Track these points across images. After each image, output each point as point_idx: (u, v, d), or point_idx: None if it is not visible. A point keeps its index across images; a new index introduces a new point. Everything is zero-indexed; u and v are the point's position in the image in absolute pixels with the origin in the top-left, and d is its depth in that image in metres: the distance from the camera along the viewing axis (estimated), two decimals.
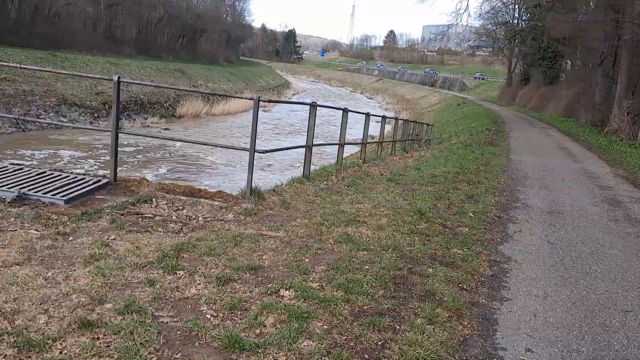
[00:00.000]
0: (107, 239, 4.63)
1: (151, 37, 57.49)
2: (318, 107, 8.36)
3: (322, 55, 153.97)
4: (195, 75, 52.44)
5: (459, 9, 28.11)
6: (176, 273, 3.98)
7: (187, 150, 27.18)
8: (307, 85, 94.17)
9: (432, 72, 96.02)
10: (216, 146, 11.81)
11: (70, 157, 20.09)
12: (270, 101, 7.01)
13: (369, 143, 11.72)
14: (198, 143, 8.01)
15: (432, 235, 5.63)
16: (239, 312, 3.42)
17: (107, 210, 5.32)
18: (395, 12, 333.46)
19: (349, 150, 18.29)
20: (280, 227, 5.46)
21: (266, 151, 6.59)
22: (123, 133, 6.25)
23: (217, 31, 69.90)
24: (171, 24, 59.59)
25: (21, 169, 6.17)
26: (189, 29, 61.93)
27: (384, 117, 12.22)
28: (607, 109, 24.09)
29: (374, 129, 20.06)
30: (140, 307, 3.33)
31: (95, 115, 34.01)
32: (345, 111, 9.21)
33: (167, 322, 3.22)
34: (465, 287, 4.34)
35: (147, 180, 6.39)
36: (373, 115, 11.52)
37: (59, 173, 6.10)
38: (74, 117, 32.39)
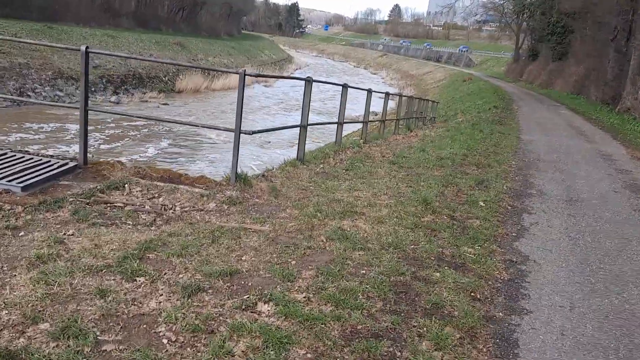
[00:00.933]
0: (64, 234, 3.99)
1: (150, 9, 56.20)
2: (316, 83, 7.66)
3: (326, 30, 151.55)
4: (195, 49, 51.32)
5: None
6: (136, 280, 3.34)
7: (187, 127, 26.45)
8: (310, 60, 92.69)
9: (428, 46, 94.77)
10: (198, 126, 11.10)
11: (51, 135, 19.37)
12: (258, 75, 6.31)
13: (370, 121, 10.99)
14: (179, 123, 7.27)
15: (438, 230, 4.97)
16: (204, 336, 2.78)
17: (70, 199, 4.67)
18: None
19: (350, 128, 17.58)
20: (267, 219, 4.81)
21: (253, 132, 5.89)
22: (93, 111, 5.55)
23: (218, 4, 68.36)
24: None
25: None
26: (188, 1, 60.54)
27: (387, 94, 11.48)
28: (620, 87, 23.19)
29: (377, 105, 19.36)
30: (81, 330, 2.70)
31: (93, 89, 33.21)
32: (345, 87, 8.49)
33: (110, 352, 2.59)
34: (478, 296, 3.69)
35: (121, 164, 5.72)
36: (375, 92, 10.77)
37: (21, 155, 5.43)
38: (71, 90, 31.64)
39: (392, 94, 13.37)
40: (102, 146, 18.24)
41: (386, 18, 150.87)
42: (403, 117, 14.41)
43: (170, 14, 60.06)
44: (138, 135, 20.82)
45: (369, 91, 10.04)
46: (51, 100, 29.38)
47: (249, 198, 5.42)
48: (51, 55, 33.43)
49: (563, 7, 35.31)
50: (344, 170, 7.23)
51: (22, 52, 31.80)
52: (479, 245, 4.69)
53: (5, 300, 2.95)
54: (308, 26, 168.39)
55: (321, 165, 7.32)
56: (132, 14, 53.47)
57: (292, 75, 19.25)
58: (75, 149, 16.71)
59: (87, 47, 5.24)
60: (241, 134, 5.52)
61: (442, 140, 11.14)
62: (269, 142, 20.89)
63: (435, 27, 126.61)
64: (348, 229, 4.65)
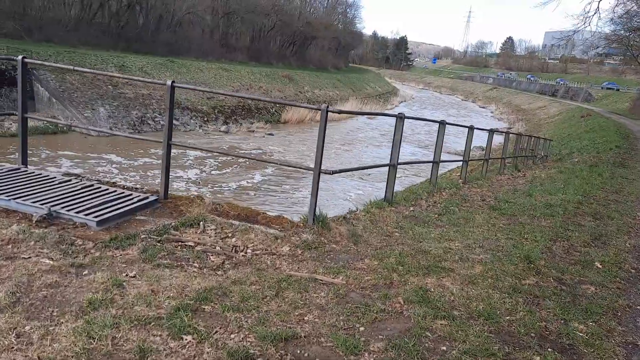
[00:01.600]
0: (126, 275, 3.80)
1: (263, 44, 58.90)
2: (413, 120, 7.17)
3: (434, 63, 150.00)
4: (302, 82, 52.80)
5: (588, 12, 25.21)
6: (182, 338, 3.00)
7: (290, 156, 26.87)
8: (416, 93, 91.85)
9: (532, 78, 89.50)
10: (277, 164, 11.00)
11: (142, 166, 20.30)
12: (341, 112, 5.90)
13: (471, 160, 10.19)
14: (258, 160, 7.00)
15: (542, 297, 4.18)
16: None
17: (143, 236, 4.52)
18: (514, 18, 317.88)
19: (450, 165, 16.66)
20: (341, 270, 4.33)
21: (334, 172, 5.48)
22: (175, 145, 5.47)
23: (327, 38, 70.16)
24: (282, 32, 60.71)
25: (69, 180, 5.62)
26: (299, 36, 62.73)
27: (491, 131, 10.63)
28: None
29: (482, 141, 18.25)
30: None
31: (205, 119, 35.17)
32: (442, 124, 7.87)
33: None
34: None
35: (201, 199, 5.56)
36: (478, 128, 9.99)
37: (105, 188, 5.45)
38: (185, 120, 33.68)
39: (498, 130, 12.44)
40: (195, 176, 18.81)
41: (498, 51, 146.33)
42: (510, 156, 13.34)
43: (281, 48, 62.53)
44: (235, 167, 21.34)
45: (470, 128, 9.31)
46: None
47: (326, 243, 4.99)
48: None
49: None
50: (436, 215, 6.58)
51: (146, 84, 34.49)
52: (593, 321, 3.85)
53: (41, 353, 2.73)
54: (416, 59, 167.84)
55: (411, 208, 6.73)
56: (246, 49, 56.31)
57: (383, 112, 18.94)
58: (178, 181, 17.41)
59: (172, 82, 5.18)
60: (322, 174, 5.13)
61: (553, 184, 10.04)
62: (369, 173, 20.47)
63: (551, 61, 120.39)
64: (432, 289, 4.03)
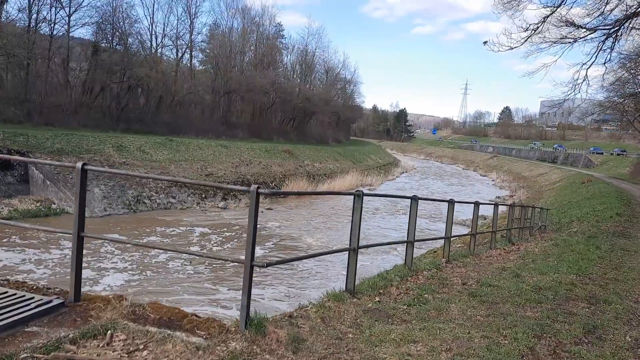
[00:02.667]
0: None
1: (263, 120, 59.74)
2: (381, 197, 6.41)
3: (434, 133, 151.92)
4: (302, 156, 52.87)
5: (577, 79, 25.25)
6: None
7: (287, 231, 26.05)
8: (418, 163, 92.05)
9: (535, 145, 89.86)
10: (203, 256, 10.22)
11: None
12: (273, 193, 5.18)
13: (454, 237, 9.33)
14: (182, 252, 6.17)
15: None
16: None
17: (23, 356, 3.66)
18: (511, 88, 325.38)
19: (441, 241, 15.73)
20: None
21: (268, 264, 4.66)
22: (87, 237, 4.68)
23: (327, 113, 71.29)
24: (282, 108, 61.76)
25: None
26: (299, 111, 63.73)
27: (476, 204, 9.84)
28: None
29: (485, 210, 17.35)
30: None
31: (203, 196, 34.72)
32: (415, 199, 7.11)
33: None
34: None
35: (120, 300, 4.71)
36: (459, 202, 9.20)
37: (4, 290, 4.62)
38: (183, 198, 33.22)
39: (483, 204, 11.64)
40: (132, 268, 17.21)
41: (496, 120, 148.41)
42: (501, 229, 12.48)
43: (282, 124, 63.36)
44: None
45: (450, 202, 8.54)
46: (164, 207, 30.98)
47: (258, 353, 4.08)
48: (169, 165, 35.80)
49: None
50: (404, 306, 5.65)
51: (143, 163, 34.39)
52: None
53: None
54: (417, 131, 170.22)
55: (377, 298, 5.82)
56: (247, 126, 56.99)
57: (341, 191, 18.52)
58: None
59: (83, 164, 4.48)
60: (255, 267, 4.31)
61: (545, 260, 9.10)
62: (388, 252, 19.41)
63: (549, 128, 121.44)
64: None
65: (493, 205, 11.27)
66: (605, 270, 8.45)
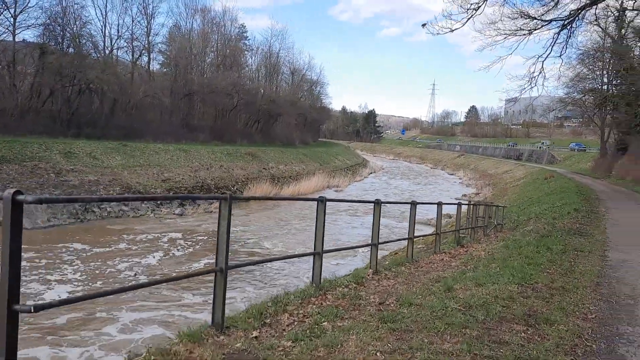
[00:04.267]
0: None
1: (226, 122, 57.93)
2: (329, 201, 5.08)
3: (403, 134, 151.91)
4: (266, 158, 51.32)
5: (533, 72, 24.45)
6: None
7: (246, 236, 24.51)
8: (386, 164, 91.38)
9: (512, 144, 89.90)
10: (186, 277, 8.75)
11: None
12: (248, 198, 3.74)
13: (381, 244, 8.04)
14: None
15: None
16: None
17: None
18: (477, 87, 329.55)
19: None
20: None
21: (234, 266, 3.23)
22: None
23: (293, 114, 69.80)
24: (247, 110, 60.05)
25: None
26: (263, 113, 62.11)
27: (413, 204, 8.57)
28: None
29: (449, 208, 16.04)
30: None
31: (159, 202, 32.91)
32: (322, 200, 5.77)
33: None
34: None
35: None
36: (386, 202, 7.94)
37: None
38: (136, 205, 31.36)
39: (419, 202, 10.39)
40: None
41: (463, 119, 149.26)
42: (446, 231, 11.29)
43: (246, 126, 61.63)
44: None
45: (377, 203, 7.24)
46: (115, 215, 29.04)
47: None
48: (121, 171, 33.87)
49: None
50: (289, 343, 4.28)
51: (94, 170, 32.40)
52: None
53: None
54: (387, 131, 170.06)
55: (255, 333, 4.43)
56: (209, 128, 55.11)
57: (305, 197, 17.21)
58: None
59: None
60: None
61: (488, 266, 7.89)
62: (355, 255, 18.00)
63: (514, 126, 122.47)
64: None
65: (437, 205, 10.04)
66: (553, 277, 7.25)
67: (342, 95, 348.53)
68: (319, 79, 79.72)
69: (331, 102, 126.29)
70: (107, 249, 20.14)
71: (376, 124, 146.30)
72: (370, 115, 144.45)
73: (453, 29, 12.69)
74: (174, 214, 31.36)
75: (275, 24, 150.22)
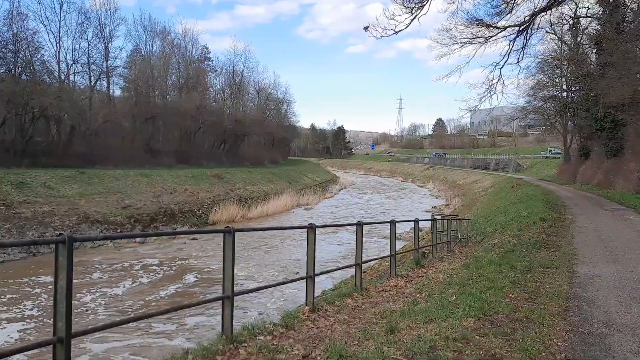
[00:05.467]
0: None
1: (192, 145, 56.41)
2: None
3: (372, 149, 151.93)
4: (233, 179, 49.90)
5: (491, 80, 24.01)
6: None
7: (211, 262, 23.12)
8: (357, 179, 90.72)
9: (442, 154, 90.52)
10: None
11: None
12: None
13: (323, 273, 6.92)
14: None
15: None
16: None
17: None
18: (443, 100, 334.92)
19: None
20: None
21: None
22: None
23: (261, 134, 68.68)
24: (212, 132, 58.64)
25: None
26: (230, 134, 60.77)
27: (359, 224, 7.50)
28: None
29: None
30: None
31: (119, 230, 31.22)
32: (230, 232, 4.66)
33: None
34: None
35: None
36: (320, 226, 6.85)
37: None
38: (95, 235, 29.66)
39: (367, 222, 9.34)
40: None
41: (430, 132, 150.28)
42: (400, 252, 10.27)
43: (212, 148, 60.18)
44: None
45: (310, 227, 6.16)
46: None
47: None
48: (79, 200, 32.08)
49: (609, 100, 31.21)
50: None
51: (48, 200, 30.53)
52: None
53: None
54: (358, 147, 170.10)
55: None
56: (173, 152, 53.53)
57: (293, 225, 16.28)
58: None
59: None
60: None
61: (444, 294, 6.83)
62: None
63: (480, 137, 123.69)
64: None
65: (389, 224, 8.99)
66: (517, 303, 6.23)
67: (312, 113, 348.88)
68: (285, 97, 78.98)
69: (299, 120, 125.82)
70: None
71: (346, 140, 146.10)
72: (340, 132, 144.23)
73: (397, 30, 11.86)
74: (135, 241, 29.73)
75: (238, 44, 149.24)
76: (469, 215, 32.59)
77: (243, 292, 5.65)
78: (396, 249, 14.47)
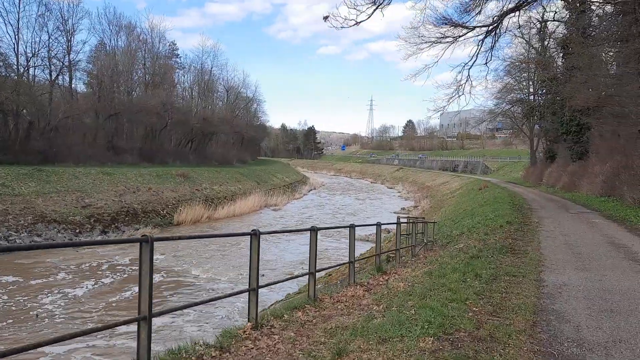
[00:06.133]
0: None
1: (157, 143, 54.88)
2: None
3: (343, 149, 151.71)
4: (200, 179, 48.68)
5: (460, 80, 23.69)
6: None
7: (172, 264, 22.18)
8: (327, 180, 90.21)
9: (422, 157, 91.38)
10: None
11: None
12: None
13: (266, 285, 6.21)
14: None
15: None
16: None
17: None
18: (413, 102, 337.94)
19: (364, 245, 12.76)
20: None
21: None
22: None
23: (229, 133, 67.40)
24: (178, 129, 57.18)
25: None
26: (197, 133, 59.39)
27: (313, 229, 6.85)
28: None
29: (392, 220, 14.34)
30: None
31: (77, 230, 29.86)
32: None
33: None
34: None
35: None
36: (263, 233, 6.15)
37: None
38: (51, 235, 28.24)
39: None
40: None
41: (400, 133, 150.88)
42: (359, 259, 9.65)
43: (179, 146, 58.71)
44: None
45: (254, 234, 5.46)
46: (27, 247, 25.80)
47: None
48: (35, 199, 30.56)
49: (575, 104, 31.42)
50: None
51: (2, 198, 28.99)
52: None
53: None
54: (329, 147, 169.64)
55: None
56: (137, 150, 51.95)
57: (236, 232, 15.42)
58: None
59: None
60: None
61: (403, 306, 6.22)
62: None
63: (450, 139, 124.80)
64: None
65: (348, 228, 8.36)
66: (481, 318, 5.65)
67: (283, 113, 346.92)
68: (255, 96, 77.83)
69: (269, 120, 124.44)
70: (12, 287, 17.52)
71: (316, 141, 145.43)
72: (310, 132, 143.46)
73: (358, 20, 11.25)
74: None
75: (207, 41, 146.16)
76: (437, 217, 32.41)
77: (162, 314, 4.88)
78: (362, 252, 13.87)
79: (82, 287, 17.95)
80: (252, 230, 5.52)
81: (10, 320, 13.56)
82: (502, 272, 8.22)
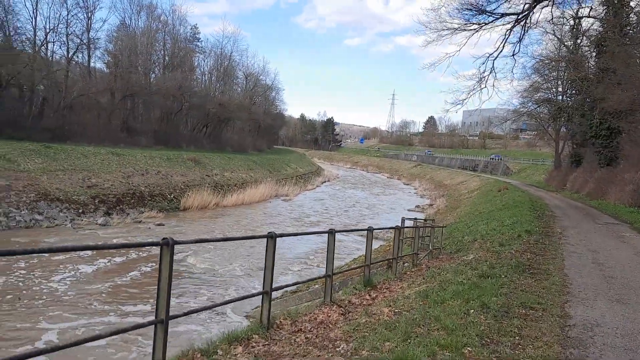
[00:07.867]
0: None
1: (172, 127, 53.68)
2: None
3: (361, 142, 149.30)
4: (211, 165, 47.40)
5: (483, 72, 21.77)
6: None
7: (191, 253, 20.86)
8: (343, 172, 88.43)
9: (428, 152, 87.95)
10: None
11: None
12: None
13: (226, 303, 4.56)
14: None
15: None
16: None
17: None
18: (436, 99, 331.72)
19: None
20: None
21: None
22: None
23: (246, 120, 65.90)
24: (194, 114, 55.91)
25: None
26: (213, 118, 58.02)
27: (270, 238, 5.27)
28: None
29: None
30: None
31: (80, 210, 28.77)
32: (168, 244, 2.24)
33: None
34: None
35: None
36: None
37: None
38: (53, 213, 27.15)
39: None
40: None
41: (421, 129, 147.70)
42: (337, 272, 7.97)
43: (194, 131, 57.47)
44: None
45: (271, 237, 3.81)
46: (26, 225, 24.57)
47: None
48: (40, 176, 29.52)
49: (606, 106, 29.14)
50: None
51: (6, 173, 27.98)
52: None
53: None
54: (348, 140, 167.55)
55: None
56: (152, 133, 50.84)
57: (254, 235, 14.40)
58: None
59: None
60: None
61: (376, 350, 4.54)
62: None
63: (471, 137, 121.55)
64: None
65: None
66: None
67: (303, 104, 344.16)
68: (274, 84, 76.17)
69: (287, 109, 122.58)
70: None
71: (335, 132, 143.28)
72: (329, 123, 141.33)
73: None
74: (96, 223, 27.39)
75: (228, 26, 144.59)
76: (452, 218, 30.50)
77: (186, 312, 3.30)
78: (351, 259, 12.04)
79: (81, 270, 16.81)
80: (268, 233, 4.00)
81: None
82: (516, 301, 6.43)
